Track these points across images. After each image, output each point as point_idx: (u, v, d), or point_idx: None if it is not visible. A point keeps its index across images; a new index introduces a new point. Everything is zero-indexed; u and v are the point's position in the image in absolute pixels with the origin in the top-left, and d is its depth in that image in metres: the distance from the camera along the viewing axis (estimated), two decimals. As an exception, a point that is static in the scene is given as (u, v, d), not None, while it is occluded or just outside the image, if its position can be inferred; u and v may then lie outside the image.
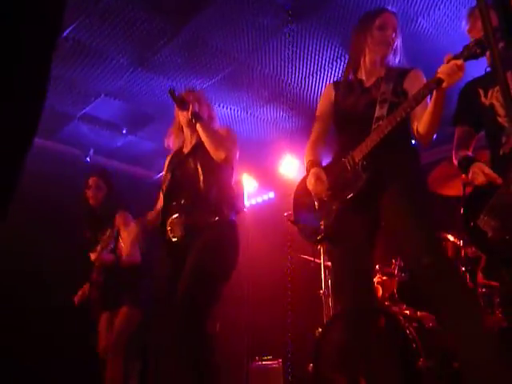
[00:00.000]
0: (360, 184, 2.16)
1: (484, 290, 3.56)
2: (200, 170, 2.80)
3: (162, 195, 2.97)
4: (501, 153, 2.26)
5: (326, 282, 4.37)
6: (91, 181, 3.94)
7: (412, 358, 2.71)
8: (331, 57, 4.19)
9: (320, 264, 4.42)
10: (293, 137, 5.31)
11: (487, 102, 2.36)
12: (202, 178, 2.78)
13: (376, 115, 2.20)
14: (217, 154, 2.73)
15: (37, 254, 4.59)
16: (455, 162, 2.45)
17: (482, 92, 2.40)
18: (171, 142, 3.09)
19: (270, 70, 4.35)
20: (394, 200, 2.14)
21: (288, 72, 4.39)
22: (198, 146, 2.85)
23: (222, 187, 2.83)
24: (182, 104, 2.83)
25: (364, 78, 2.42)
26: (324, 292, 4.32)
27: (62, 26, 0.82)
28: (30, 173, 1.32)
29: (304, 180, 2.48)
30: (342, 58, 4.18)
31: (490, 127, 2.38)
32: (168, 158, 3.08)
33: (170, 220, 2.76)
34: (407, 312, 3.10)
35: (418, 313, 3.11)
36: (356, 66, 2.45)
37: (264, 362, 4.81)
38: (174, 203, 2.79)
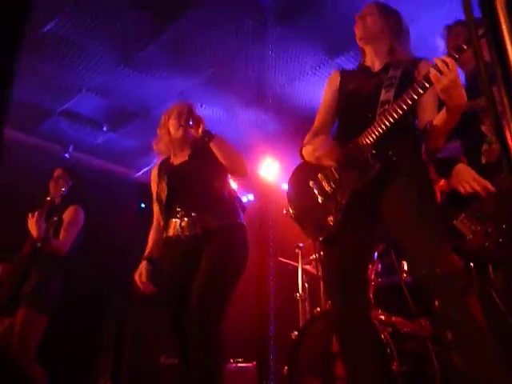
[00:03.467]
0: (371, 175, 1.99)
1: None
2: (208, 172, 2.81)
3: (156, 208, 2.94)
4: (483, 161, 2.27)
5: (303, 285, 4.38)
6: (56, 172, 3.97)
7: (386, 363, 2.72)
8: (315, 62, 4.21)
9: (297, 267, 4.43)
10: (274, 140, 5.33)
11: (468, 109, 2.36)
12: (212, 179, 2.80)
13: (381, 99, 2.08)
14: (240, 172, 2.87)
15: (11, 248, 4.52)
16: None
17: None
18: (161, 148, 3.00)
19: (253, 72, 4.36)
20: (401, 196, 2.00)
21: (271, 75, 4.41)
22: (197, 153, 2.87)
23: (230, 188, 2.88)
24: (193, 122, 2.82)
25: (370, 64, 2.30)
26: (301, 295, 4.33)
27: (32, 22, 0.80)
28: (7, 167, 1.30)
29: (299, 171, 2.33)
30: (326, 64, 4.20)
31: (470, 135, 2.39)
32: (156, 170, 3.02)
33: (185, 219, 2.73)
34: (382, 317, 3.12)
35: (393, 318, 3.13)
36: (362, 54, 2.36)
37: (238, 365, 4.79)
38: (181, 202, 2.77)
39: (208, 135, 2.76)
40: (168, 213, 2.80)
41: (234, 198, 2.87)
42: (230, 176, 2.93)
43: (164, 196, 2.82)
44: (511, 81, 0.56)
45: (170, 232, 2.79)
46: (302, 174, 2.29)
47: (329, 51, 4.07)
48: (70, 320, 4.24)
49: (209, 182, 2.79)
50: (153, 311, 3.65)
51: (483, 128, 2.32)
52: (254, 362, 4.78)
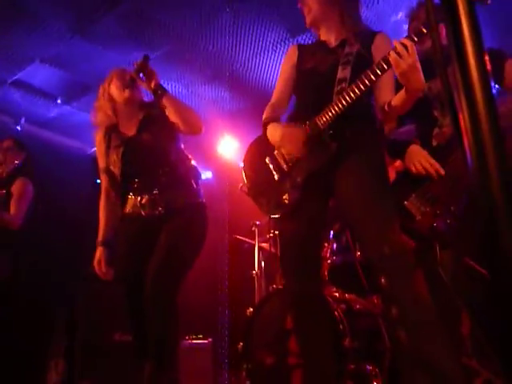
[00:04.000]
0: (328, 155, 1.99)
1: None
2: (161, 144, 2.70)
3: (104, 179, 2.83)
4: (434, 144, 2.34)
5: (260, 262, 4.42)
6: (5, 143, 3.87)
7: (338, 338, 2.79)
8: (275, 39, 4.18)
9: (254, 245, 4.46)
10: (233, 117, 5.30)
11: (422, 95, 2.40)
12: (166, 151, 2.71)
13: (338, 77, 2.06)
14: (193, 128, 2.71)
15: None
16: None
17: None
18: (101, 119, 2.82)
19: (213, 48, 4.30)
20: (355, 176, 2.01)
21: (232, 52, 4.36)
22: (148, 121, 2.74)
23: (186, 159, 2.81)
24: (145, 74, 2.65)
25: (326, 39, 2.27)
26: (257, 273, 4.37)
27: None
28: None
29: (256, 149, 2.30)
30: (287, 42, 4.18)
31: (423, 119, 2.45)
32: (101, 138, 2.82)
33: (146, 196, 2.66)
34: (336, 294, 3.19)
35: (347, 295, 3.20)
36: (317, 29, 2.31)
37: (193, 341, 4.81)
38: (139, 179, 2.69)
39: (161, 89, 2.65)
40: (124, 188, 2.72)
41: (194, 173, 2.83)
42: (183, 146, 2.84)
43: (118, 170, 2.70)
44: (466, 63, 0.57)
45: (128, 208, 2.72)
46: (259, 150, 2.27)
47: (290, 29, 4.05)
48: (19, 298, 4.13)
49: (167, 157, 2.71)
50: (106, 288, 3.61)
51: (435, 113, 2.37)
52: (210, 339, 4.80)
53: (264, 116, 2.26)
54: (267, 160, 2.20)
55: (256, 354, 3.17)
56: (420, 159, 2.22)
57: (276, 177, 2.15)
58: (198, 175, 2.86)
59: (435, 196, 2.19)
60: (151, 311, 2.49)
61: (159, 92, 2.64)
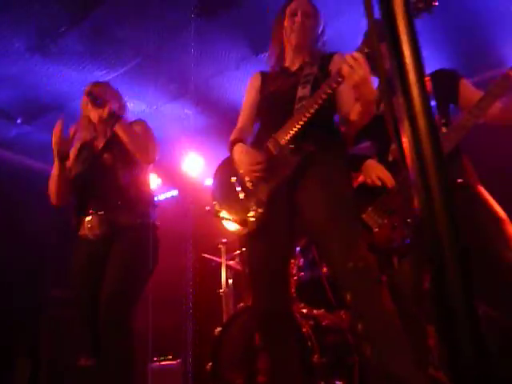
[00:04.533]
0: (289, 170, 2.01)
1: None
2: (118, 166, 2.74)
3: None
4: (390, 159, 2.39)
5: (227, 281, 4.38)
6: None
7: (307, 355, 2.78)
8: (239, 57, 4.21)
9: (221, 263, 4.43)
10: (198, 135, 5.28)
11: (378, 113, 2.43)
12: (120, 174, 2.74)
13: (298, 95, 2.10)
14: (142, 158, 2.76)
15: None
16: None
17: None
18: (78, 133, 2.88)
19: (177, 65, 4.30)
20: (318, 191, 2.01)
21: (196, 69, 4.35)
22: (113, 140, 2.77)
23: (140, 184, 2.83)
24: (98, 102, 2.71)
25: (289, 65, 2.34)
26: (224, 291, 4.33)
27: None
28: None
29: (224, 168, 2.32)
30: (250, 60, 4.21)
31: (380, 135, 2.49)
32: (76, 148, 2.88)
33: (90, 216, 2.69)
34: (304, 310, 3.18)
35: (315, 311, 3.20)
36: (280, 56, 2.38)
37: (163, 362, 4.74)
38: (91, 199, 2.72)
39: (113, 117, 2.68)
40: (79, 208, 2.75)
41: (145, 196, 2.85)
42: (145, 172, 2.89)
43: (76, 179, 2.78)
44: (407, 82, 0.58)
45: (81, 231, 2.74)
46: (226, 170, 2.29)
47: (253, 46, 4.08)
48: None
49: (118, 180, 2.74)
50: (69, 311, 3.53)
51: None
52: (179, 360, 4.74)
53: (231, 137, 2.29)
54: (233, 179, 2.21)
55: (225, 374, 3.13)
56: (376, 172, 2.27)
57: (241, 195, 2.16)
58: (150, 199, 2.90)
59: (392, 208, 2.24)
60: (106, 336, 2.49)
61: (111, 120, 2.68)
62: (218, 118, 4.94)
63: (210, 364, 3.22)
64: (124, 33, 3.85)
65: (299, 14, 2.27)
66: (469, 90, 2.38)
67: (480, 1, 3.66)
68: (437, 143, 0.56)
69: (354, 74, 1.81)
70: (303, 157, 2.01)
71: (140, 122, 2.94)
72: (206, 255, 4.67)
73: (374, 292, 1.85)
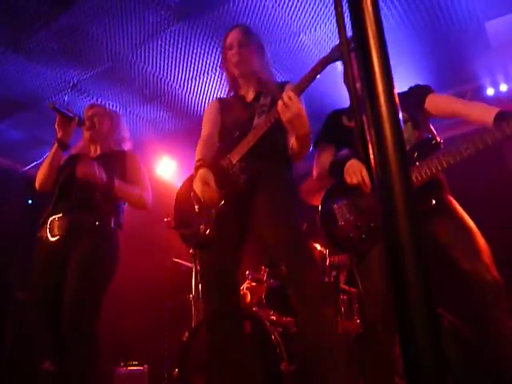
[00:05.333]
0: (238, 186, 2.19)
1: (345, 296, 3.77)
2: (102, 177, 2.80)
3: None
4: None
5: (197, 286, 4.35)
6: None
7: (275, 362, 2.77)
8: (215, 62, 4.20)
9: (191, 268, 4.39)
10: (171, 138, 5.26)
11: (351, 125, 2.52)
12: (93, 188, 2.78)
13: (254, 124, 2.27)
14: (140, 208, 2.98)
15: None
16: (317, 173, 2.60)
17: (345, 117, 2.58)
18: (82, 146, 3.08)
19: (152, 68, 4.27)
20: (265, 207, 2.18)
21: (171, 72, 4.34)
22: (106, 157, 2.93)
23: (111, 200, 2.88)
24: (67, 116, 2.86)
25: (244, 93, 2.50)
26: (194, 296, 4.29)
27: None
28: None
29: (187, 182, 2.46)
30: (226, 65, 4.21)
31: (353, 146, 2.53)
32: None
33: (51, 219, 2.73)
34: (273, 317, 3.18)
35: (284, 318, 3.20)
36: (233, 85, 2.54)
37: (129, 368, 4.67)
38: (60, 201, 2.79)
39: (110, 181, 2.78)
40: (48, 212, 2.78)
41: (112, 199, 2.86)
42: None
43: (57, 186, 2.83)
44: (375, 91, 0.58)
45: (41, 232, 2.76)
46: (187, 186, 2.44)
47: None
48: None
49: (92, 192, 2.77)
50: (34, 315, 3.47)
51: None
52: (146, 366, 4.67)
53: (196, 157, 2.38)
54: (192, 195, 2.36)
55: (192, 380, 3.10)
56: (356, 170, 2.29)
57: (196, 208, 2.31)
58: (116, 202, 2.92)
59: (362, 208, 2.27)
60: (69, 340, 2.49)
61: (109, 186, 2.78)
62: (193, 121, 4.92)
63: (177, 370, 3.18)
64: (99, 33, 3.82)
65: (235, 45, 2.42)
66: (437, 98, 2.44)
67: (455, 17, 3.75)
68: (402, 151, 0.56)
69: (287, 111, 1.99)
70: (251, 174, 2.19)
71: (134, 158, 3.06)
72: (176, 260, 4.64)
73: (319, 315, 2.02)
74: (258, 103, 2.38)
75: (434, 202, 2.19)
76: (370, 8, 0.59)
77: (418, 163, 2.15)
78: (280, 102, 2.01)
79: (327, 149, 2.62)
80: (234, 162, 2.22)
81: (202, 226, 2.24)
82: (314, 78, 2.07)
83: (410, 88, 2.53)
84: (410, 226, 0.54)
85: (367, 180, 2.24)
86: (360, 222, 2.26)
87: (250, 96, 2.48)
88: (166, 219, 4.02)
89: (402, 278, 0.54)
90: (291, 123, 2.04)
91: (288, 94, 2.00)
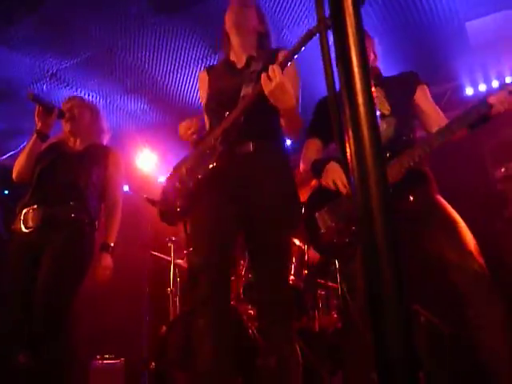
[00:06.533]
0: (214, 157, 2.07)
1: (323, 292, 3.80)
2: (84, 172, 2.82)
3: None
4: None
5: (175, 280, 4.34)
6: None
7: (252, 357, 2.78)
8: (198, 55, 4.18)
9: (170, 261, 4.38)
10: (152, 130, 5.22)
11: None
12: (80, 177, 2.81)
13: (242, 94, 2.15)
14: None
15: None
16: (303, 168, 2.54)
17: None
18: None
19: (134, 59, 4.22)
20: (264, 207, 2.08)
21: (153, 64, 4.30)
22: (89, 151, 2.94)
23: (92, 186, 2.88)
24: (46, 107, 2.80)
25: (235, 59, 2.38)
26: (172, 290, 4.28)
27: None
28: None
29: (181, 164, 2.33)
30: (209, 58, 4.19)
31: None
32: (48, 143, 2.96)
33: (25, 210, 2.70)
34: (251, 312, 3.19)
35: (261, 313, 3.20)
36: (227, 49, 2.42)
37: (105, 361, 4.63)
38: (36, 193, 2.75)
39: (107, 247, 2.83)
40: (23, 204, 2.75)
41: (91, 192, 2.85)
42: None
43: (38, 174, 2.80)
44: (353, 90, 0.59)
45: (15, 224, 2.74)
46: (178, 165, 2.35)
47: (212, 45, 4.06)
48: None
49: (70, 176, 2.78)
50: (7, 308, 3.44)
51: None
52: (122, 359, 4.64)
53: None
54: (178, 174, 2.27)
55: (168, 373, 3.10)
56: (333, 176, 2.28)
57: (177, 184, 2.21)
58: (95, 195, 2.91)
59: (345, 214, 2.26)
60: (42, 334, 2.47)
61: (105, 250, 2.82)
62: (174, 114, 4.89)
63: (154, 363, 3.18)
64: (80, 23, 3.76)
65: (236, 4, 2.37)
66: (426, 96, 2.43)
67: (436, 16, 3.78)
68: (378, 151, 0.56)
69: (270, 83, 1.92)
70: (230, 145, 2.09)
71: (115, 160, 3.03)
72: (155, 253, 4.61)
73: (286, 329, 2.05)
74: (248, 70, 2.27)
75: (411, 198, 2.20)
76: (350, 8, 0.59)
77: (391, 162, 2.15)
78: (263, 75, 1.94)
79: (314, 142, 2.57)
80: (217, 135, 2.10)
81: (178, 202, 2.15)
82: (300, 50, 1.97)
83: (403, 73, 2.51)
84: (384, 224, 0.55)
85: (344, 184, 2.23)
86: (342, 228, 2.26)
87: (241, 63, 2.35)
88: (144, 195, 4.00)
89: (376, 273, 0.54)
90: (272, 95, 1.95)
91: (272, 67, 1.93)
